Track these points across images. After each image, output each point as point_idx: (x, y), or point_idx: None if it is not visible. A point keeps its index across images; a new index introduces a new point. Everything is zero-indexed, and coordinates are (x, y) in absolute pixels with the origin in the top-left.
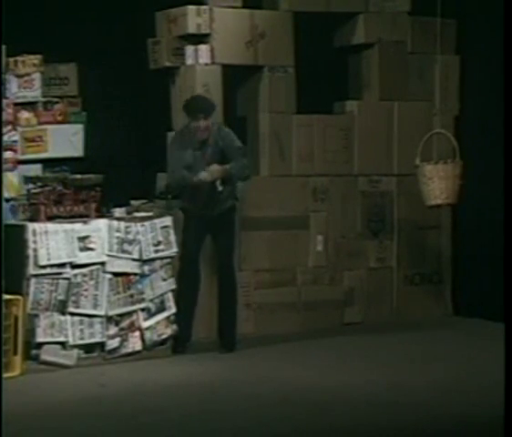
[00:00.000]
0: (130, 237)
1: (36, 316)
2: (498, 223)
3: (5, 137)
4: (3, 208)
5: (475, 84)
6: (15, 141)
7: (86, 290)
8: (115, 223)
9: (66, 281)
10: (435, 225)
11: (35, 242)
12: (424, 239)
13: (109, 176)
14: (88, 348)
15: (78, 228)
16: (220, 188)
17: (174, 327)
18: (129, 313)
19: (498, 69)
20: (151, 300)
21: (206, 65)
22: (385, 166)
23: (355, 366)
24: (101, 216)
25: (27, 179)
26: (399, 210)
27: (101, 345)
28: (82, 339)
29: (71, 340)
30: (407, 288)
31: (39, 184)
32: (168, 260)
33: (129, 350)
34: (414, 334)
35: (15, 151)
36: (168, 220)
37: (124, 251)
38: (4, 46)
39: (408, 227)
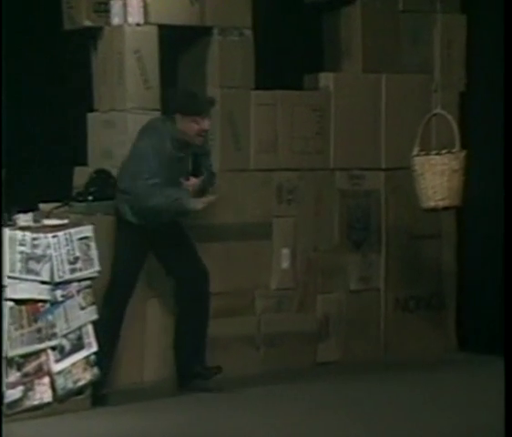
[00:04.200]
0: (38, 252)
1: None
2: None
3: None
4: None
5: (485, 51)
6: None
7: None
8: (18, 234)
9: None
10: (435, 233)
11: None
12: (421, 252)
13: (11, 171)
14: None
15: None
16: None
17: (95, 371)
18: (36, 353)
19: None
20: (65, 336)
21: (137, 25)
22: (370, 157)
23: (331, 420)
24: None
25: None
26: (388, 215)
27: None
28: None
29: None
30: (399, 315)
31: None
32: (88, 283)
33: (36, 401)
34: (408, 377)
35: None
36: (88, 230)
37: (30, 271)
38: None
39: (400, 236)
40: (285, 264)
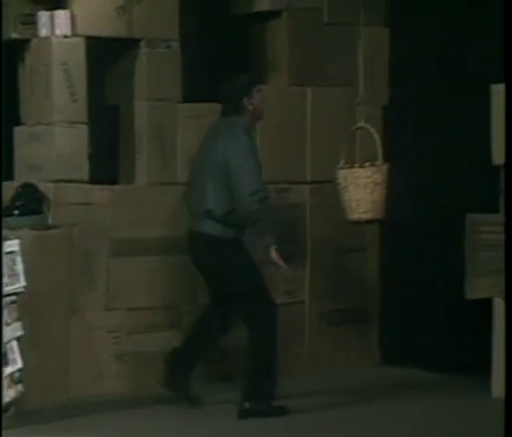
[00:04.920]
0: None
1: None
2: (437, 242)
3: None
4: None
5: (408, 64)
6: None
7: None
8: None
9: None
10: (359, 247)
11: None
12: (345, 266)
13: None
14: None
15: None
16: None
17: (19, 387)
18: None
19: (438, 45)
20: None
21: (65, 37)
22: (296, 170)
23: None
24: None
25: None
26: (313, 228)
27: None
28: None
29: None
30: (323, 329)
31: None
32: (13, 298)
33: None
34: (332, 392)
35: None
36: (14, 245)
37: None
38: None
39: (325, 249)
40: None
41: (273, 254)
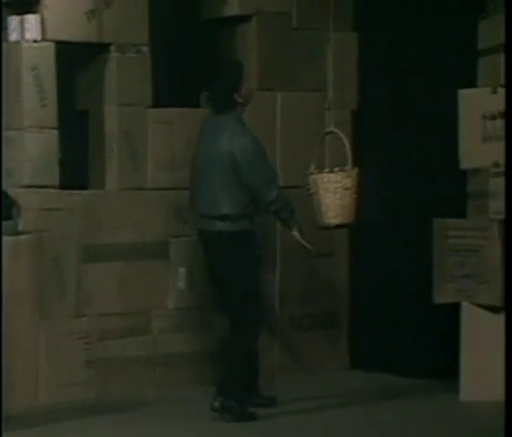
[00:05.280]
0: None
1: None
2: (406, 247)
3: None
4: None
5: (377, 69)
6: None
7: None
8: None
9: None
10: (329, 252)
11: None
12: (315, 271)
13: None
14: None
15: None
16: None
17: None
18: None
19: (406, 50)
20: None
21: (35, 41)
22: None
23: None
24: None
25: None
26: (284, 233)
27: None
28: None
29: None
30: (293, 333)
31: None
32: None
33: None
34: (301, 398)
35: None
36: None
37: None
38: None
39: (295, 255)
40: (182, 284)
41: (298, 236)
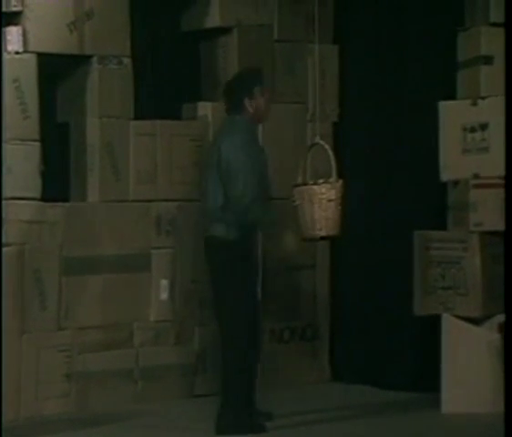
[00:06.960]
0: None
1: None
2: (387, 259)
3: None
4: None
5: (357, 81)
6: None
7: None
8: None
9: None
10: (309, 264)
11: None
12: (296, 283)
13: None
14: None
15: None
16: None
17: None
18: None
19: (387, 62)
20: None
21: (17, 53)
22: None
23: None
24: None
25: None
26: (264, 245)
27: None
28: None
29: None
30: (274, 346)
31: None
32: None
33: None
34: (281, 411)
35: None
36: None
37: None
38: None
39: (276, 266)
40: (163, 296)
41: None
